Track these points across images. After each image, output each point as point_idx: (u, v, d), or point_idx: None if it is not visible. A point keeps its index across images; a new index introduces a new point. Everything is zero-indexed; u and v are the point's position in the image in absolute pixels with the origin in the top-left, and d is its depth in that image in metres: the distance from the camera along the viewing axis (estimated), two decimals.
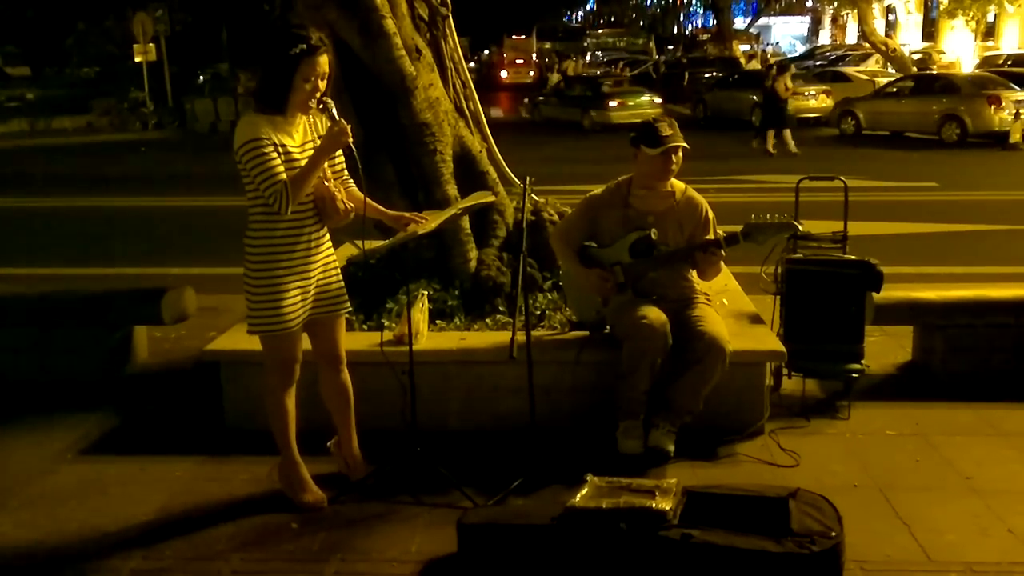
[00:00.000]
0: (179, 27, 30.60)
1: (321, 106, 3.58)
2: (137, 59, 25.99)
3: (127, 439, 4.70)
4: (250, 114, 3.59)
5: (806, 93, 23.69)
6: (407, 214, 3.94)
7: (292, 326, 3.66)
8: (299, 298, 3.66)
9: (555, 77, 31.51)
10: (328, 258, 3.80)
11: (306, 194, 3.60)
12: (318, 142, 3.63)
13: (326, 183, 3.67)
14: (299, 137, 3.62)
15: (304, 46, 3.46)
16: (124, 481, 4.17)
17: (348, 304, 3.90)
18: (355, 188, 3.82)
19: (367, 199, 3.79)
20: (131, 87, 28.14)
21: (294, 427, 3.86)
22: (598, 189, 4.62)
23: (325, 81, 3.55)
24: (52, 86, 32.99)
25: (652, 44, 50.11)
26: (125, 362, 5.70)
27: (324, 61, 3.52)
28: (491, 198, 4.89)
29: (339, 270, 3.87)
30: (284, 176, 3.48)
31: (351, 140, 3.57)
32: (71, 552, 3.58)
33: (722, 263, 4.50)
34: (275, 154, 3.48)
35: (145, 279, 8.04)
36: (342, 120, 3.56)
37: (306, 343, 3.85)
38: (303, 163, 3.55)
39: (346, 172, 3.83)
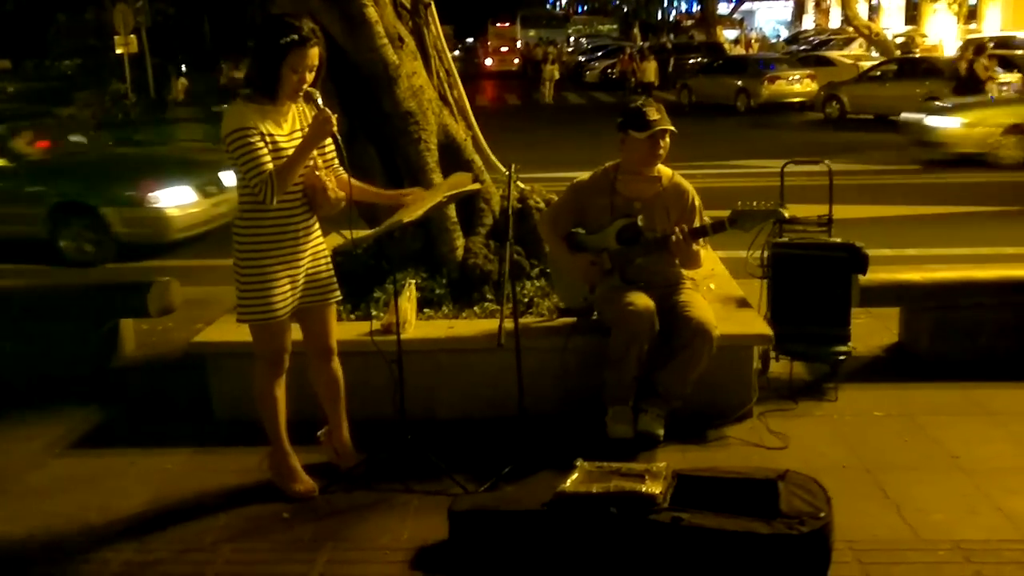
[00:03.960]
0: (160, 18, 30.35)
1: (306, 95, 3.56)
2: (118, 51, 25.74)
3: (116, 432, 4.68)
4: (238, 102, 3.57)
5: (790, 78, 23.78)
6: (397, 191, 3.94)
7: (281, 315, 3.65)
8: (288, 287, 3.66)
9: (549, 69, 30.66)
10: (318, 246, 3.79)
11: (294, 184, 3.59)
12: (307, 130, 3.62)
13: (317, 172, 3.66)
14: (287, 126, 3.61)
15: (295, 36, 3.44)
16: (114, 474, 4.16)
17: (338, 292, 3.89)
18: (345, 176, 3.81)
19: (357, 183, 3.80)
20: (112, 79, 27.92)
21: (284, 417, 3.86)
22: (585, 175, 4.62)
23: (313, 73, 3.55)
24: (33, 79, 32.71)
25: (636, 30, 50.06)
26: (112, 355, 5.68)
27: (314, 54, 3.51)
28: (476, 185, 4.88)
29: (329, 258, 3.86)
30: (270, 166, 3.47)
31: (336, 128, 3.56)
32: (62, 546, 3.57)
33: (703, 252, 4.49)
34: (261, 143, 3.47)
35: (130, 272, 8.03)
36: (326, 109, 3.54)
37: (297, 334, 3.84)
38: (291, 152, 3.54)
39: (336, 160, 3.82)
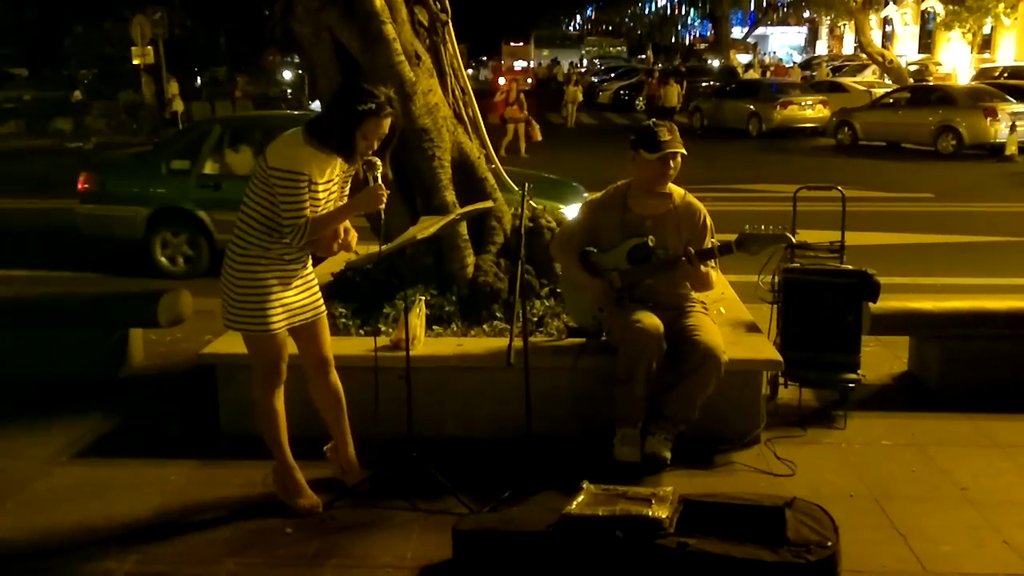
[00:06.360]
0: (177, 30, 30.57)
1: (368, 164, 3.64)
2: (135, 62, 25.95)
3: (122, 442, 4.68)
4: (300, 138, 3.59)
5: (803, 103, 23.80)
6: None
7: (275, 329, 3.70)
8: (280, 306, 3.71)
9: (573, 91, 30.25)
10: (308, 274, 3.86)
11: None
12: (340, 174, 3.70)
13: None
14: (328, 173, 3.67)
15: (372, 105, 3.53)
16: (119, 484, 4.16)
17: (324, 307, 3.93)
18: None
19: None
20: (128, 89, 28.10)
21: (285, 429, 3.86)
22: (598, 194, 4.63)
23: (380, 141, 3.63)
24: (49, 87, 32.93)
25: (649, 53, 50.28)
26: (121, 365, 5.69)
27: (387, 124, 3.60)
28: (488, 203, 4.89)
29: (317, 283, 3.91)
30: (308, 214, 3.55)
31: (384, 207, 3.63)
32: (66, 555, 3.57)
33: (714, 275, 4.48)
34: (306, 191, 3.55)
35: (141, 282, 8.04)
36: (382, 185, 3.63)
37: (293, 349, 3.86)
38: (321, 196, 3.62)
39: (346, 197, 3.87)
